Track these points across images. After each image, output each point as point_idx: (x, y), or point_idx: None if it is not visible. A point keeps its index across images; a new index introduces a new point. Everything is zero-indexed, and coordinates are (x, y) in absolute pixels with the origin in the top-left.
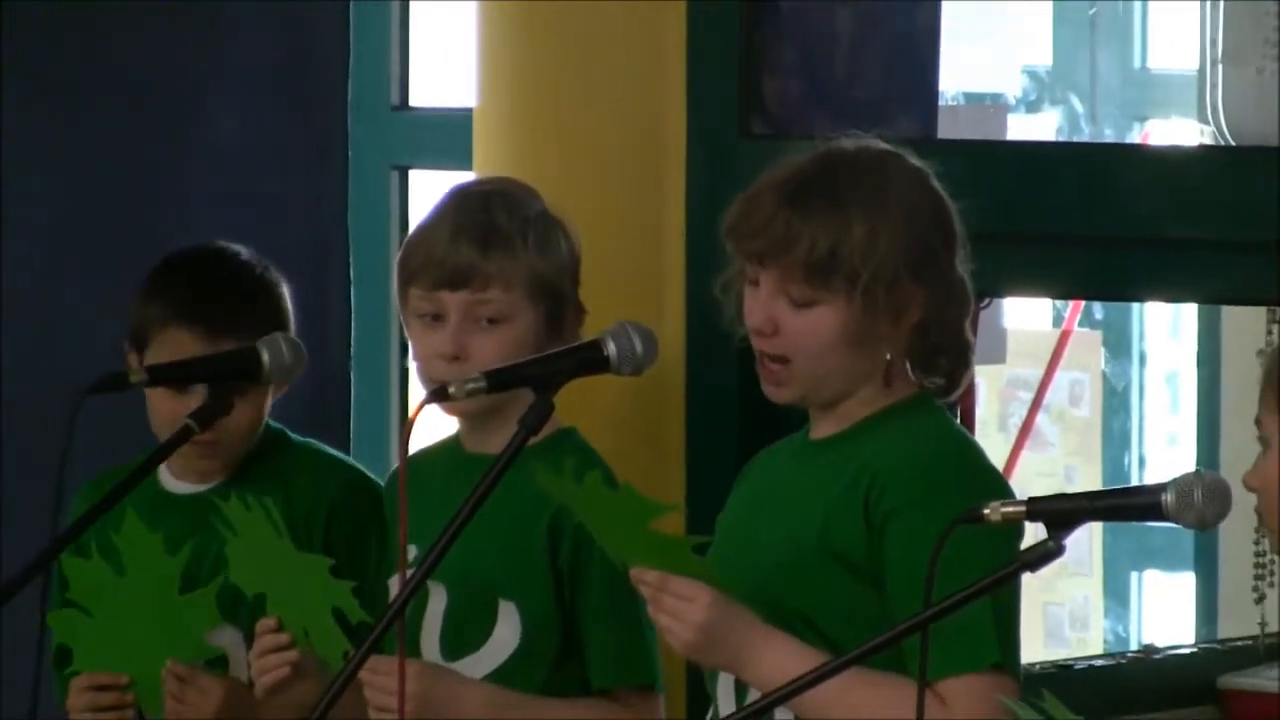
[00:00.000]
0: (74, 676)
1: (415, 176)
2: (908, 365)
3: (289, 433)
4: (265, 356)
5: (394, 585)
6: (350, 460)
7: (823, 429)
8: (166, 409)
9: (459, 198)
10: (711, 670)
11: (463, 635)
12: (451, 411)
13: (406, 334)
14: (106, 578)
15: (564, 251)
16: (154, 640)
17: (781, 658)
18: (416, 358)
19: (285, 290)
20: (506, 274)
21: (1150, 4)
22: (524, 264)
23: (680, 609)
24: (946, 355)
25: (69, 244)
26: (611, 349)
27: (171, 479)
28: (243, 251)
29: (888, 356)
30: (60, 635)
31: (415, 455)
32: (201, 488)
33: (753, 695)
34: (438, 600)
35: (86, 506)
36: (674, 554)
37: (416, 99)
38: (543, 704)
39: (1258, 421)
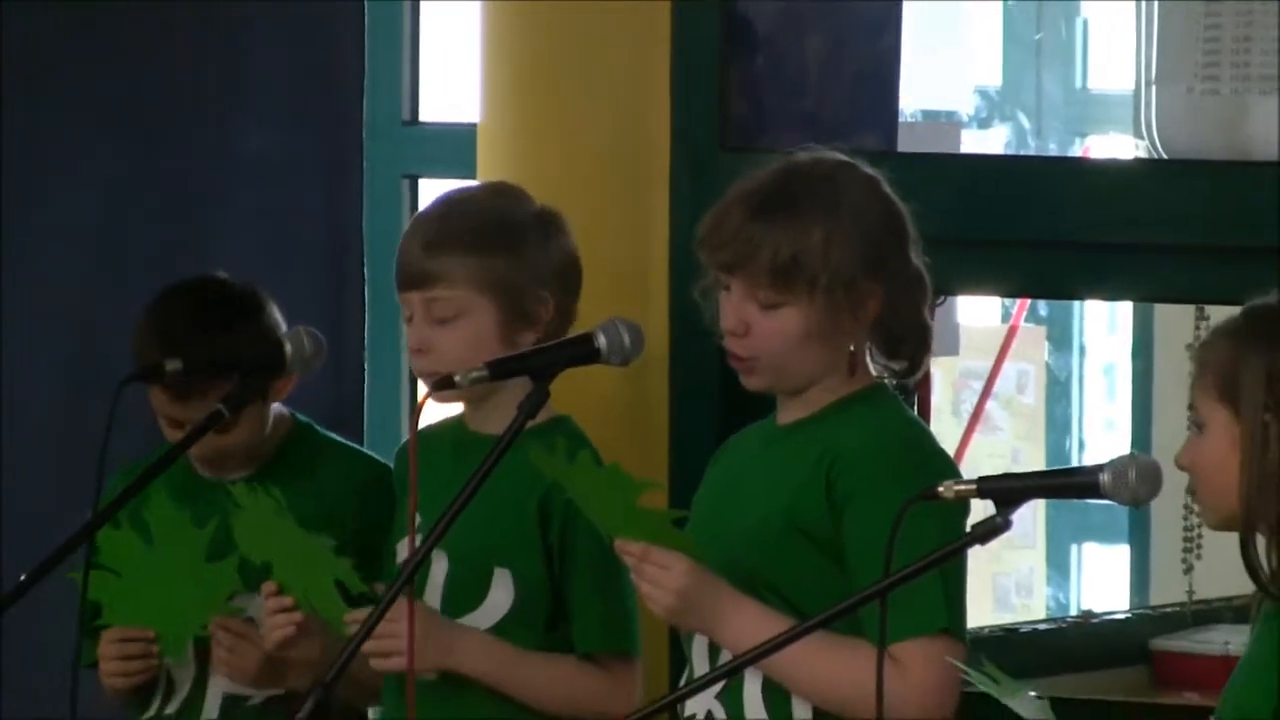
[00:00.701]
0: (104, 629)
1: (424, 185)
2: (871, 354)
3: (316, 427)
4: (289, 348)
5: (401, 549)
6: (373, 454)
7: (789, 414)
8: (167, 414)
9: (429, 207)
10: (688, 633)
11: (461, 597)
12: (452, 399)
13: None
14: (135, 546)
15: (531, 249)
16: (181, 601)
17: (751, 622)
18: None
19: (273, 309)
20: (449, 273)
21: (1090, 30)
22: (468, 263)
23: (660, 577)
24: (908, 341)
25: (110, 249)
26: (602, 341)
27: (204, 464)
28: (231, 282)
29: (850, 348)
30: (93, 594)
31: (422, 431)
32: (234, 475)
33: (725, 657)
34: (440, 566)
35: (119, 489)
36: (655, 527)
37: (426, 114)
38: (531, 658)
39: (1192, 407)
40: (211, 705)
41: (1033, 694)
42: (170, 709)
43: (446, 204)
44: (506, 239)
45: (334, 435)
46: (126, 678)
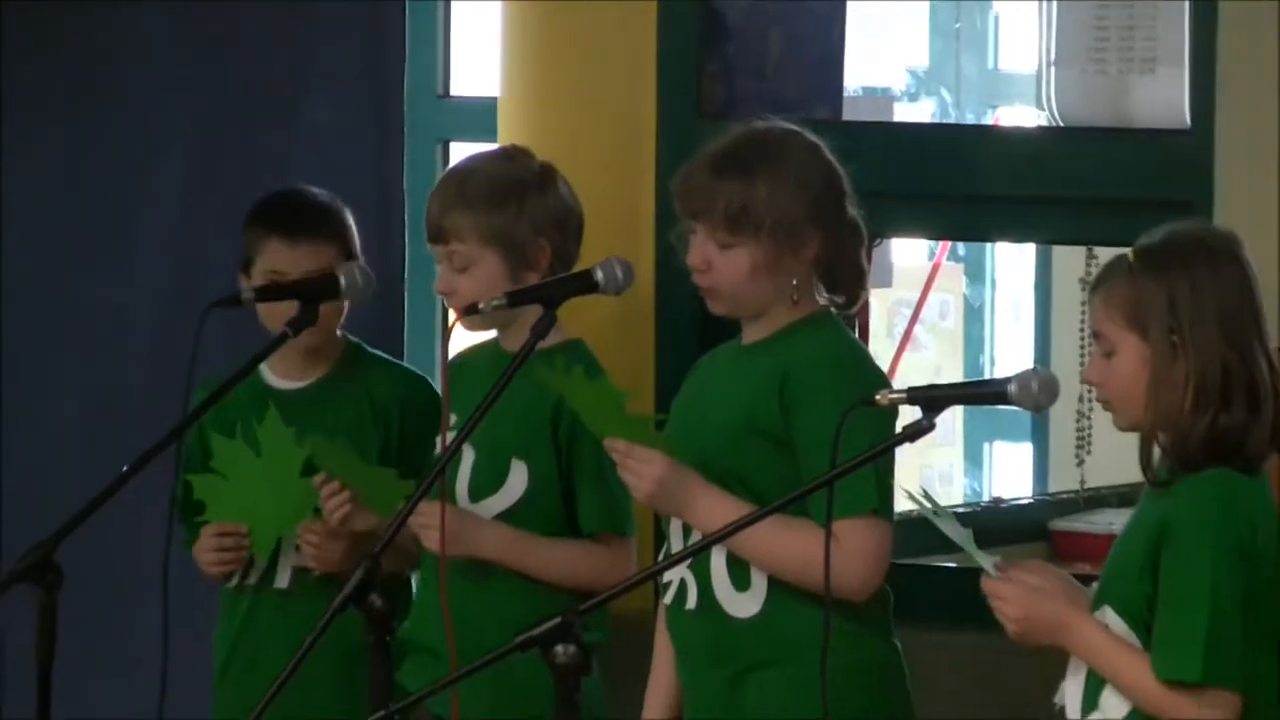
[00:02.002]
0: (204, 525)
1: (454, 148)
2: (818, 288)
3: (365, 346)
4: (343, 280)
5: (438, 444)
6: (412, 367)
7: (750, 336)
8: (267, 312)
9: (447, 172)
10: (666, 517)
11: (484, 482)
12: (480, 326)
13: None
14: (245, 455)
15: (529, 204)
16: (274, 506)
17: (717, 507)
18: None
19: (349, 217)
20: (459, 230)
21: (1000, 21)
22: (473, 220)
23: (640, 469)
24: (845, 279)
25: (203, 204)
26: (600, 276)
27: (275, 378)
28: (319, 190)
29: (794, 282)
30: (198, 493)
31: (466, 352)
32: (299, 384)
33: (696, 536)
34: (468, 457)
35: (203, 399)
36: (638, 429)
37: (455, 89)
38: (541, 541)
39: (1096, 335)
40: (282, 577)
41: (961, 528)
42: (250, 580)
43: (459, 171)
44: (507, 198)
45: (381, 353)
46: (220, 565)
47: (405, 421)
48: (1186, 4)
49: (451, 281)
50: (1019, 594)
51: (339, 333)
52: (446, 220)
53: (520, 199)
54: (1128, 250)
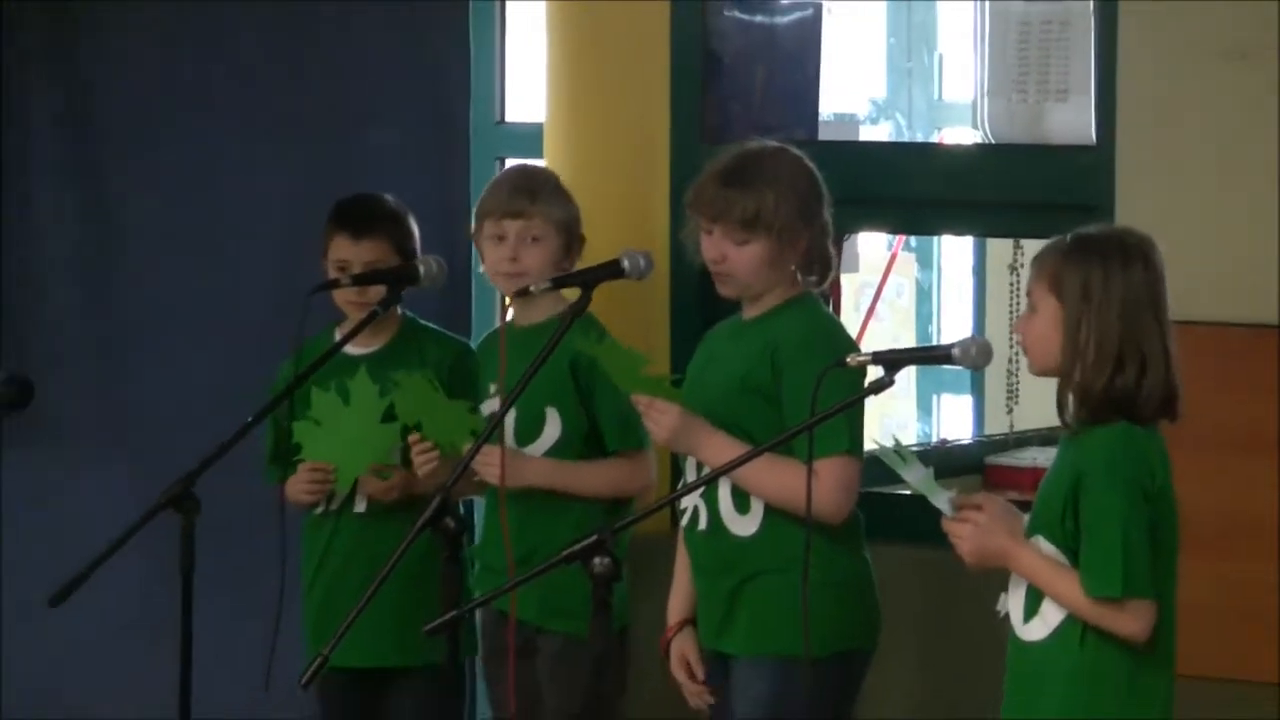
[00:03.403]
0: (300, 463)
1: (510, 164)
2: (799, 275)
3: (418, 319)
4: (421, 270)
5: (485, 407)
6: (458, 336)
7: (749, 313)
8: (340, 294)
9: (511, 171)
10: (682, 455)
11: (526, 431)
12: (514, 302)
13: (478, 251)
14: (336, 404)
15: (572, 207)
16: (357, 448)
17: (723, 448)
18: (485, 266)
19: (409, 219)
20: (542, 212)
21: (945, 60)
22: (550, 208)
23: (660, 418)
24: (819, 267)
25: (299, 223)
26: (626, 264)
27: (349, 346)
28: (386, 196)
29: (792, 268)
30: (296, 436)
31: (490, 335)
32: (369, 350)
33: (705, 471)
34: (510, 414)
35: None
36: (658, 386)
37: (510, 116)
38: (577, 465)
39: (1028, 293)
40: (360, 503)
41: (922, 465)
42: (332, 507)
43: (530, 169)
44: (566, 197)
45: (431, 324)
46: (309, 495)
47: (452, 378)
48: (1092, 45)
49: (520, 251)
50: (971, 531)
51: (398, 310)
52: (534, 203)
53: (570, 201)
54: (1068, 234)
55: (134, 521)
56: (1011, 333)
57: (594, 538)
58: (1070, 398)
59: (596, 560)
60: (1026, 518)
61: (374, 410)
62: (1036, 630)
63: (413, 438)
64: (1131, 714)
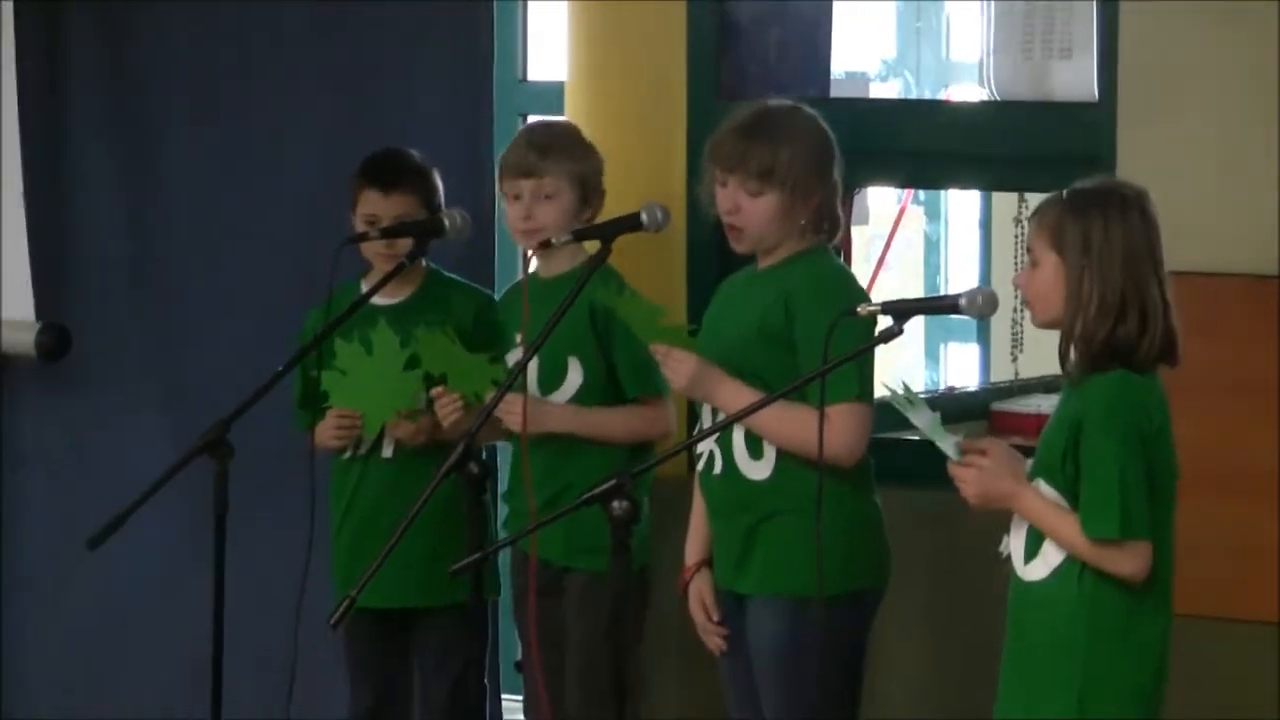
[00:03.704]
0: (329, 410)
1: (531, 120)
2: (812, 228)
3: (442, 270)
4: (447, 223)
5: (510, 356)
6: (479, 286)
7: (764, 263)
8: (368, 246)
9: (527, 129)
10: (698, 401)
11: (550, 379)
12: (537, 253)
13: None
14: (360, 354)
15: (590, 159)
16: (382, 396)
17: (736, 394)
18: (507, 222)
19: (434, 174)
20: (554, 168)
21: (951, 20)
22: (562, 164)
23: (678, 367)
24: (830, 223)
25: (330, 179)
26: (644, 217)
27: (376, 296)
28: (412, 151)
29: (802, 222)
30: (324, 385)
31: (512, 286)
32: (395, 300)
33: (721, 417)
34: (533, 364)
35: (316, 319)
36: (675, 335)
37: (532, 75)
38: (597, 411)
39: (1029, 249)
40: (387, 449)
41: (930, 411)
42: (360, 452)
43: (544, 125)
44: (585, 152)
45: (454, 275)
46: (338, 440)
47: (476, 327)
48: (1094, 5)
49: (534, 208)
50: (975, 475)
51: (422, 262)
52: (545, 160)
53: (592, 156)
54: (1065, 189)
55: (170, 466)
56: (1015, 283)
57: (613, 482)
58: (1072, 348)
59: (615, 504)
60: (1029, 462)
61: (396, 359)
62: (1037, 570)
63: (436, 390)
64: (1129, 652)
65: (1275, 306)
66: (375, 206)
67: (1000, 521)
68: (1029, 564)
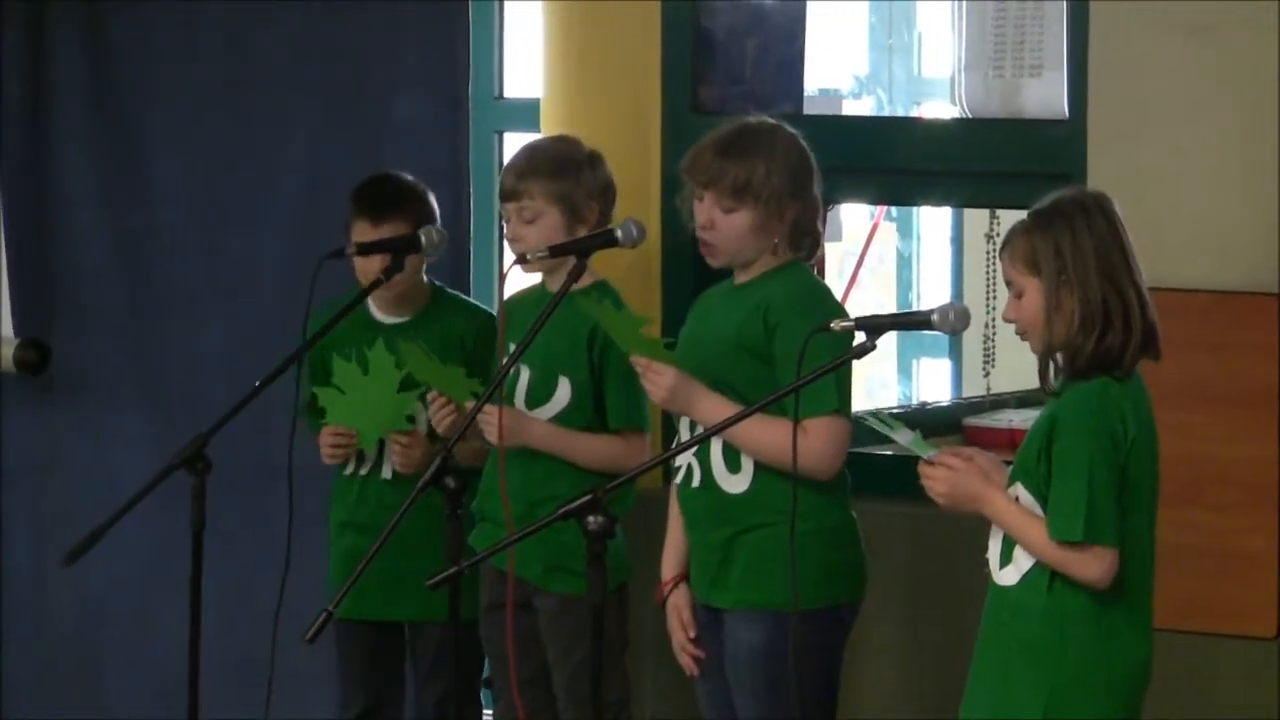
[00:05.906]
0: (324, 426)
1: (508, 138)
2: (788, 244)
3: (446, 289)
4: (423, 239)
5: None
6: (482, 305)
7: (741, 278)
8: (362, 267)
9: (522, 148)
10: (676, 414)
11: (538, 394)
12: (534, 269)
13: None
14: (356, 373)
15: (583, 176)
16: (377, 413)
17: (715, 407)
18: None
19: (429, 197)
20: (533, 190)
21: (923, 37)
22: (543, 185)
23: (658, 379)
24: (808, 240)
25: (311, 194)
26: (620, 233)
27: (380, 315)
28: (406, 176)
29: (775, 240)
30: (322, 401)
31: (519, 293)
32: (397, 319)
33: (699, 430)
34: (524, 375)
35: (315, 328)
36: (655, 348)
37: (509, 91)
38: (578, 434)
39: (1008, 283)
40: (386, 470)
41: (909, 430)
42: (362, 470)
43: (531, 147)
44: (567, 169)
45: (458, 293)
46: (334, 456)
47: (476, 346)
48: (1064, 23)
49: (520, 231)
50: (944, 474)
51: (425, 279)
52: (521, 183)
53: (577, 172)
54: (1024, 215)
55: (147, 482)
56: (1004, 317)
57: (589, 496)
58: (1051, 364)
59: (591, 518)
60: (1010, 469)
61: (392, 379)
62: (1010, 575)
63: (431, 394)
64: (1102, 658)
65: (1246, 320)
66: (366, 235)
67: (977, 535)
68: (1003, 569)
